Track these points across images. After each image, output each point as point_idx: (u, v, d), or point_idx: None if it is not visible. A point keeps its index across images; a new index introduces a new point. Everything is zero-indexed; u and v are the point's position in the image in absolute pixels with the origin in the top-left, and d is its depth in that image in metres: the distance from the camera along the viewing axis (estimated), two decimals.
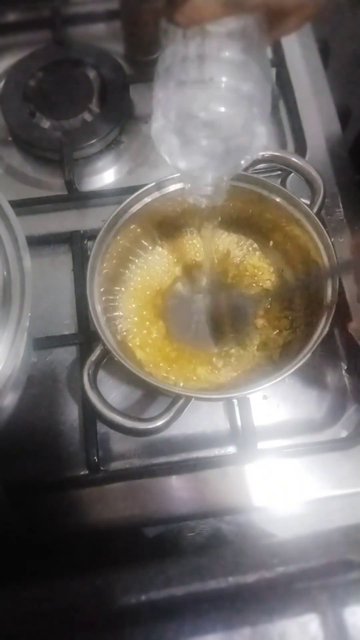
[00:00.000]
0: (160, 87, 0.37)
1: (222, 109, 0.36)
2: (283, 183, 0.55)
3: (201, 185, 0.41)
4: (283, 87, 0.62)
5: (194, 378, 0.48)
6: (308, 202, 0.47)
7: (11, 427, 0.43)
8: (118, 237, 0.47)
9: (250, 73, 0.36)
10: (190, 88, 0.35)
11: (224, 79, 0.35)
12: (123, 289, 0.51)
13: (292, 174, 0.50)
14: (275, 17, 0.34)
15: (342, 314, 0.50)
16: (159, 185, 0.48)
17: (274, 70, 0.62)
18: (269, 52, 0.64)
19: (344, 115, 0.63)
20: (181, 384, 0.47)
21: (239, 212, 0.51)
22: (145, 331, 0.50)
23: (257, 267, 0.52)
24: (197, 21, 0.33)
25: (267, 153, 0.48)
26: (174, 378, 0.48)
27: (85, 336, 0.50)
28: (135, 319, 0.50)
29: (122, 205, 0.47)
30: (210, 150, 0.37)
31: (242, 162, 0.40)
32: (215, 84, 0.35)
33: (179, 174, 0.48)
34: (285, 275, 0.52)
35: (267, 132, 0.39)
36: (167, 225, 0.52)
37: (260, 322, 0.50)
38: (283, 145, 0.61)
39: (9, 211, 0.43)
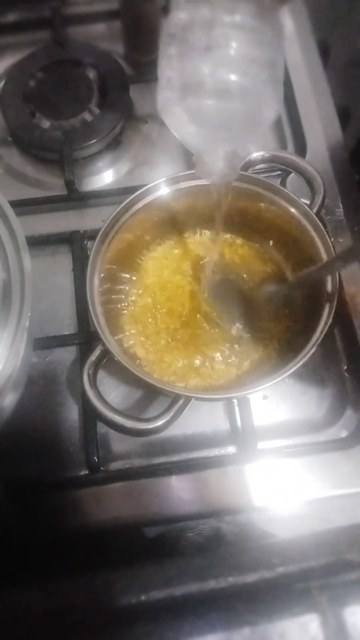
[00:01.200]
0: (164, 54, 0.34)
1: (232, 77, 0.33)
2: (283, 183, 0.55)
3: (212, 162, 0.37)
4: (283, 87, 0.61)
5: (195, 378, 0.48)
6: (308, 202, 0.47)
7: (11, 427, 0.43)
8: (118, 237, 0.47)
9: (261, 38, 0.33)
10: (198, 55, 0.33)
11: (233, 44, 0.33)
12: (123, 288, 0.51)
13: (292, 174, 0.50)
14: None
15: (342, 313, 0.50)
16: (159, 185, 0.48)
17: None
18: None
19: (344, 116, 0.63)
20: (181, 384, 0.47)
21: (238, 212, 0.51)
22: (145, 330, 0.50)
23: (256, 267, 0.52)
24: None
25: (267, 153, 0.48)
26: (174, 378, 0.48)
27: (85, 336, 0.50)
28: (135, 318, 0.50)
29: (122, 205, 0.47)
30: (220, 121, 0.34)
31: (255, 132, 0.37)
32: (224, 50, 0.33)
33: (178, 174, 0.48)
34: (285, 275, 0.52)
35: (280, 100, 0.36)
36: (168, 225, 0.52)
37: (260, 321, 0.50)
38: (283, 145, 0.61)
39: (9, 211, 0.43)
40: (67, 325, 0.52)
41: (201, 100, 0.34)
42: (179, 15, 0.33)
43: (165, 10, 0.63)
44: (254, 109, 0.35)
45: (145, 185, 0.47)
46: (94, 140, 0.58)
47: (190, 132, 0.36)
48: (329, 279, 0.44)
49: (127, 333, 0.49)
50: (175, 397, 0.40)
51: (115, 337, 0.45)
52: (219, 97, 0.34)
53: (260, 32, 0.33)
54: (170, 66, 0.34)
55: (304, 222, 0.47)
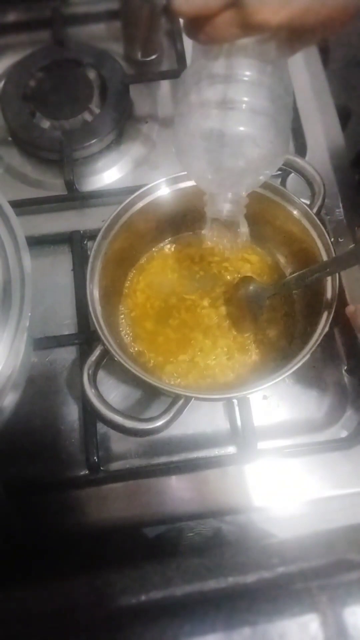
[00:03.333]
0: (182, 103, 0.38)
1: (242, 129, 0.36)
2: (283, 183, 0.55)
3: (222, 202, 0.41)
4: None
5: (195, 378, 0.48)
6: (308, 202, 0.47)
7: (11, 427, 0.43)
8: (118, 237, 0.47)
9: (271, 90, 0.36)
10: (212, 108, 0.36)
11: (245, 98, 0.35)
12: (123, 288, 0.51)
13: (292, 174, 0.50)
14: (297, 34, 0.33)
15: (341, 314, 0.50)
16: (159, 185, 0.48)
17: None
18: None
19: (344, 116, 0.63)
20: (181, 384, 0.47)
21: None
22: (145, 331, 0.50)
23: (257, 267, 0.52)
24: (217, 40, 0.33)
25: None
26: (174, 377, 0.48)
27: (85, 336, 0.50)
28: (135, 318, 0.50)
29: (122, 205, 0.47)
30: (230, 168, 0.38)
31: (262, 177, 0.40)
32: (236, 104, 0.35)
33: (178, 174, 0.48)
34: (285, 275, 0.52)
35: (288, 147, 0.40)
36: (167, 225, 0.52)
37: (260, 321, 0.50)
38: None
39: (9, 211, 0.43)
40: (67, 325, 0.52)
41: (215, 149, 0.37)
42: (194, 70, 0.37)
43: (166, 10, 0.63)
44: (261, 157, 0.38)
45: (145, 185, 0.47)
46: (94, 140, 0.58)
47: (205, 177, 0.40)
48: (328, 280, 0.44)
49: (127, 332, 0.49)
50: (175, 397, 0.40)
51: (115, 337, 0.45)
52: (230, 147, 0.37)
53: (270, 84, 0.36)
54: (188, 115, 0.37)
55: (304, 222, 0.47)
